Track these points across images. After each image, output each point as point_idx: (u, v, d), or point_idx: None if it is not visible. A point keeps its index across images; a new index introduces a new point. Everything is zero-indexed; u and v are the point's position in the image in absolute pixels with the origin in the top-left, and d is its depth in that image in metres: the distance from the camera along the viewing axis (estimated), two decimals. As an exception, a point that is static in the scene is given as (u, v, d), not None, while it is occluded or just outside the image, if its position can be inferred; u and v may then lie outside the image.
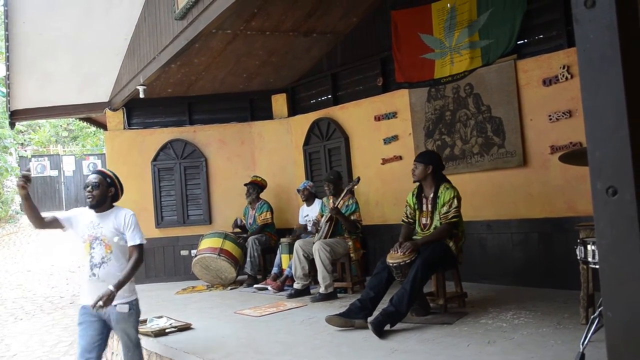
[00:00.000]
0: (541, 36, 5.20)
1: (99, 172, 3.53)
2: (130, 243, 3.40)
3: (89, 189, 3.40)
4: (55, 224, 3.43)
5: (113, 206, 3.50)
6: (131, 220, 3.42)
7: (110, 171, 3.59)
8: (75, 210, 3.56)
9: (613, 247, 1.15)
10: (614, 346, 1.16)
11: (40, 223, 3.35)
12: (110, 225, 3.39)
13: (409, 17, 6.13)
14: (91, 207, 3.41)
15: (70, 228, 3.46)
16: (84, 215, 3.47)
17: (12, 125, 8.60)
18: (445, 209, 4.31)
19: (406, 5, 6.18)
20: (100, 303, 3.19)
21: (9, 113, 7.89)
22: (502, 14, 5.27)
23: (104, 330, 3.41)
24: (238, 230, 7.25)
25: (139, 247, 3.41)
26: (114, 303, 3.30)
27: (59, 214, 3.51)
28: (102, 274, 3.34)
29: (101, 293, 3.21)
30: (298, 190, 6.84)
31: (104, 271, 3.34)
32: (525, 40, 5.29)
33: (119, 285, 3.26)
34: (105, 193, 3.42)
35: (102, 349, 3.40)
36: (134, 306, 3.47)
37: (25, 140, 22.65)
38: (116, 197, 3.51)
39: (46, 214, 3.48)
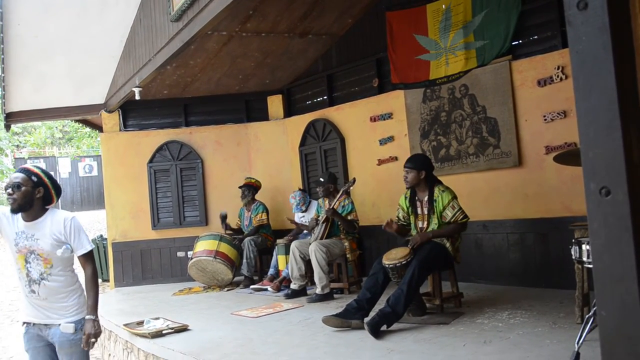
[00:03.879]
0: (536, 37, 5.22)
1: (23, 170, 2.86)
2: (79, 252, 2.88)
3: (9, 190, 2.77)
4: None
5: (46, 210, 2.90)
6: (73, 226, 2.86)
7: (39, 168, 2.95)
8: (2, 209, 2.92)
9: (606, 247, 1.16)
10: (608, 345, 1.17)
11: None
12: (47, 236, 2.83)
13: (404, 18, 6.14)
14: (13, 211, 2.81)
15: None
16: (11, 219, 2.87)
17: (7, 127, 8.56)
18: (449, 212, 4.33)
19: (401, 7, 6.19)
20: (93, 340, 2.87)
21: (4, 115, 7.87)
22: (497, 15, 5.28)
23: (55, 356, 2.95)
24: (230, 232, 7.19)
25: (89, 254, 2.92)
26: (57, 322, 2.88)
27: None
28: (43, 292, 2.86)
29: (86, 331, 2.85)
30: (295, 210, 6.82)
31: (45, 289, 2.85)
32: (520, 41, 5.31)
33: (94, 310, 2.90)
34: (31, 195, 2.79)
35: None
36: (82, 327, 2.91)
37: (20, 142, 22.59)
38: (48, 198, 2.89)
39: None
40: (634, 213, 1.11)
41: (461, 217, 4.33)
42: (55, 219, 2.87)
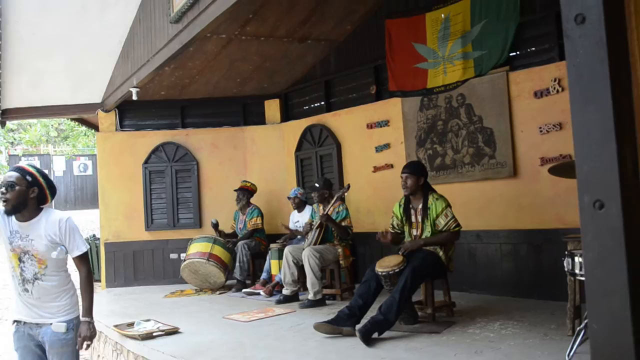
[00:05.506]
0: (533, 49, 5.25)
1: (17, 169, 2.81)
2: (74, 254, 2.85)
3: (2, 190, 2.71)
4: None
5: (41, 209, 2.84)
6: (68, 227, 2.81)
7: (33, 167, 2.89)
8: None
9: (599, 260, 1.16)
10: (598, 357, 1.17)
11: None
12: (42, 237, 2.78)
13: (403, 26, 6.16)
14: (7, 213, 2.75)
15: None
16: (5, 217, 2.80)
17: (2, 124, 8.53)
18: (442, 220, 4.34)
19: (400, 15, 6.21)
20: (88, 343, 2.86)
21: (0, 112, 7.85)
22: (496, 25, 5.31)
23: (44, 356, 2.91)
24: (223, 237, 7.15)
25: (84, 256, 2.89)
26: (49, 321, 2.85)
27: None
28: (36, 292, 2.82)
29: (81, 333, 2.85)
30: (289, 198, 6.83)
31: (39, 289, 2.82)
32: (518, 53, 5.33)
33: (89, 312, 2.89)
34: (25, 195, 2.74)
35: None
36: (74, 327, 2.89)
37: (15, 139, 22.48)
38: (43, 198, 2.84)
39: None
40: (627, 227, 1.12)
41: (454, 225, 4.34)
42: (50, 219, 2.82)
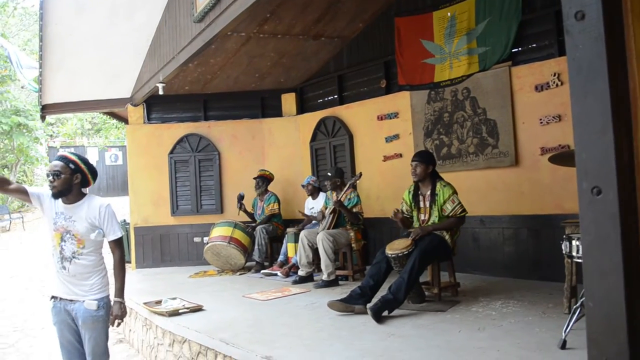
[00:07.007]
0: (534, 45, 5.18)
1: (61, 158, 2.89)
2: (110, 238, 2.93)
3: (50, 178, 2.82)
4: (20, 193, 2.92)
5: (84, 194, 2.93)
6: (108, 213, 2.90)
7: (76, 154, 2.96)
8: (45, 190, 2.95)
9: (596, 243, 1.16)
10: (594, 334, 1.17)
11: (2, 187, 2.88)
12: (83, 220, 2.87)
13: (411, 24, 6.11)
14: (54, 197, 2.84)
15: (38, 204, 2.93)
16: (52, 201, 2.90)
17: (42, 118, 8.62)
18: (449, 206, 4.31)
19: (409, 13, 6.15)
20: (119, 321, 2.94)
21: (40, 107, 7.94)
22: (499, 23, 5.24)
23: (79, 330, 2.98)
24: (244, 212, 7.21)
25: (119, 240, 2.96)
26: (82, 298, 2.90)
27: (29, 187, 2.98)
28: (72, 269, 2.89)
29: (113, 312, 2.92)
30: (302, 186, 6.84)
31: (75, 266, 2.89)
32: (520, 49, 5.26)
33: (121, 292, 2.96)
34: (70, 181, 2.84)
35: (83, 349, 2.98)
36: (104, 305, 2.94)
37: (54, 132, 22.76)
38: (85, 183, 2.92)
39: (15, 184, 2.98)
40: (622, 212, 1.11)
41: (460, 211, 4.32)
42: (92, 204, 2.91)
